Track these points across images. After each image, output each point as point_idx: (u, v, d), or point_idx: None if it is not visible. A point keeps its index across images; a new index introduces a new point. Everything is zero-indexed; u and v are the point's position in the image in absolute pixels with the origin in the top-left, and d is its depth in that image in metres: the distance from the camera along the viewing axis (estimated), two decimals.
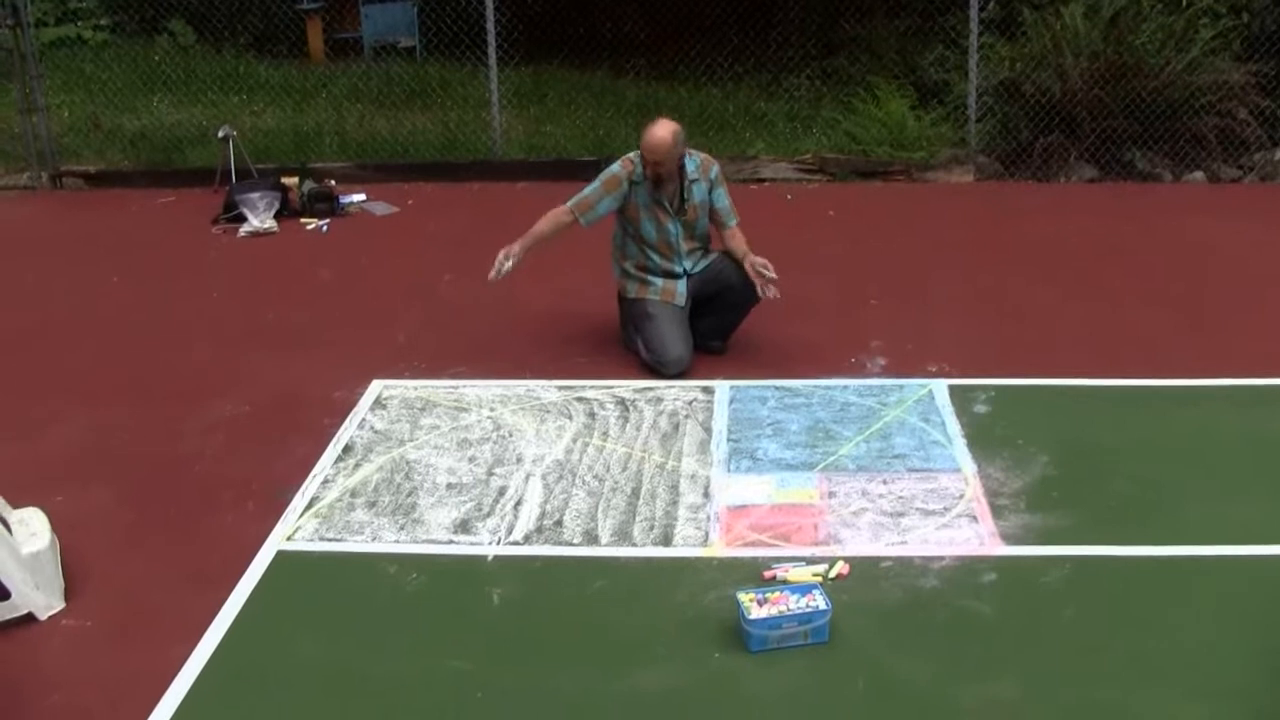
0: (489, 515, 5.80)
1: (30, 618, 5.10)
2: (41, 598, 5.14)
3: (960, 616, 5.00)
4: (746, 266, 7.27)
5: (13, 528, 5.31)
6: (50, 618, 5.13)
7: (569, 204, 7.44)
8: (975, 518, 5.68)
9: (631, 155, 7.42)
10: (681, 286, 7.47)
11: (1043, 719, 4.45)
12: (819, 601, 4.84)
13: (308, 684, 4.71)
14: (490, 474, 6.18)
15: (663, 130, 7.23)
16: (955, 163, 11.99)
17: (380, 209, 11.26)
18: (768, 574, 5.24)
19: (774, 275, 7.22)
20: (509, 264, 7.26)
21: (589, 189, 7.43)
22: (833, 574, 5.22)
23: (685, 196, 7.38)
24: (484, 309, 8.49)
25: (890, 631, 4.91)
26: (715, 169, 7.52)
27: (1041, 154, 11.82)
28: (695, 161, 7.44)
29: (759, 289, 7.24)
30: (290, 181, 11.13)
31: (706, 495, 5.94)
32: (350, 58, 16.69)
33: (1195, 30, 11.84)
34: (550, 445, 6.47)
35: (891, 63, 14.12)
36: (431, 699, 4.60)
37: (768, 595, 4.87)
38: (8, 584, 5.06)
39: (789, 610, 4.79)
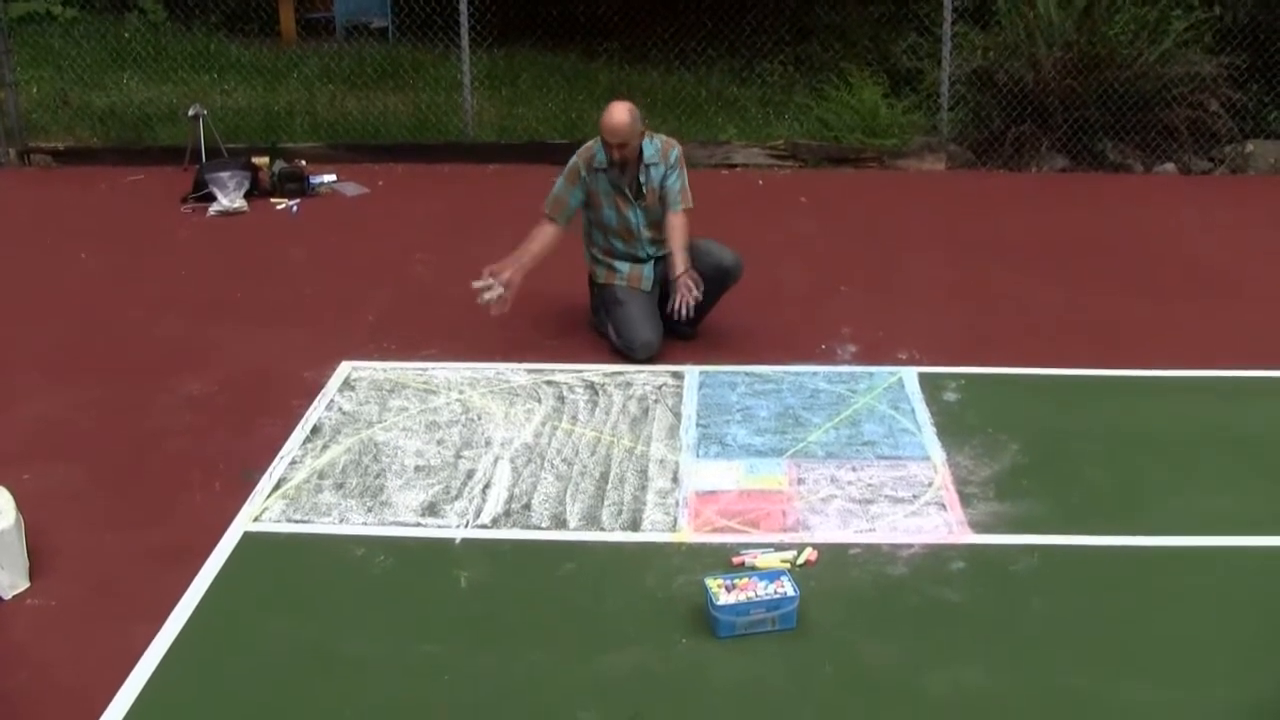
0: (457, 498, 5.78)
1: None
2: (5, 576, 5.11)
3: (929, 604, 5.01)
4: (673, 269, 7.23)
5: None
6: (15, 597, 5.10)
7: (546, 210, 7.44)
8: (944, 505, 5.69)
9: (590, 143, 7.40)
10: (649, 271, 7.45)
11: (1010, 706, 4.46)
12: (787, 588, 4.84)
13: (274, 665, 4.70)
14: (459, 457, 6.17)
15: (620, 111, 7.21)
16: (927, 151, 11.99)
17: (351, 190, 11.22)
18: (736, 560, 5.24)
19: (692, 300, 7.13)
20: (494, 295, 7.16)
21: (556, 188, 7.43)
22: (801, 560, 5.22)
23: (643, 181, 7.36)
24: (454, 291, 8.44)
25: (858, 618, 4.92)
26: (675, 152, 7.45)
27: (1013, 143, 11.84)
28: (655, 145, 7.40)
29: (671, 304, 7.19)
30: (261, 161, 11.08)
31: (675, 480, 5.94)
32: (322, 38, 16.62)
33: (1168, 22, 11.86)
34: (519, 429, 6.46)
35: (864, 50, 14.11)
36: (398, 681, 4.59)
37: (736, 581, 4.87)
38: None
39: (757, 596, 4.79)
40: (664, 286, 7.47)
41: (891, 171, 11.93)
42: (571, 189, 7.38)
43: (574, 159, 7.42)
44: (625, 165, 7.27)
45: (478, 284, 7.16)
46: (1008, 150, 11.85)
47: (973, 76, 12.13)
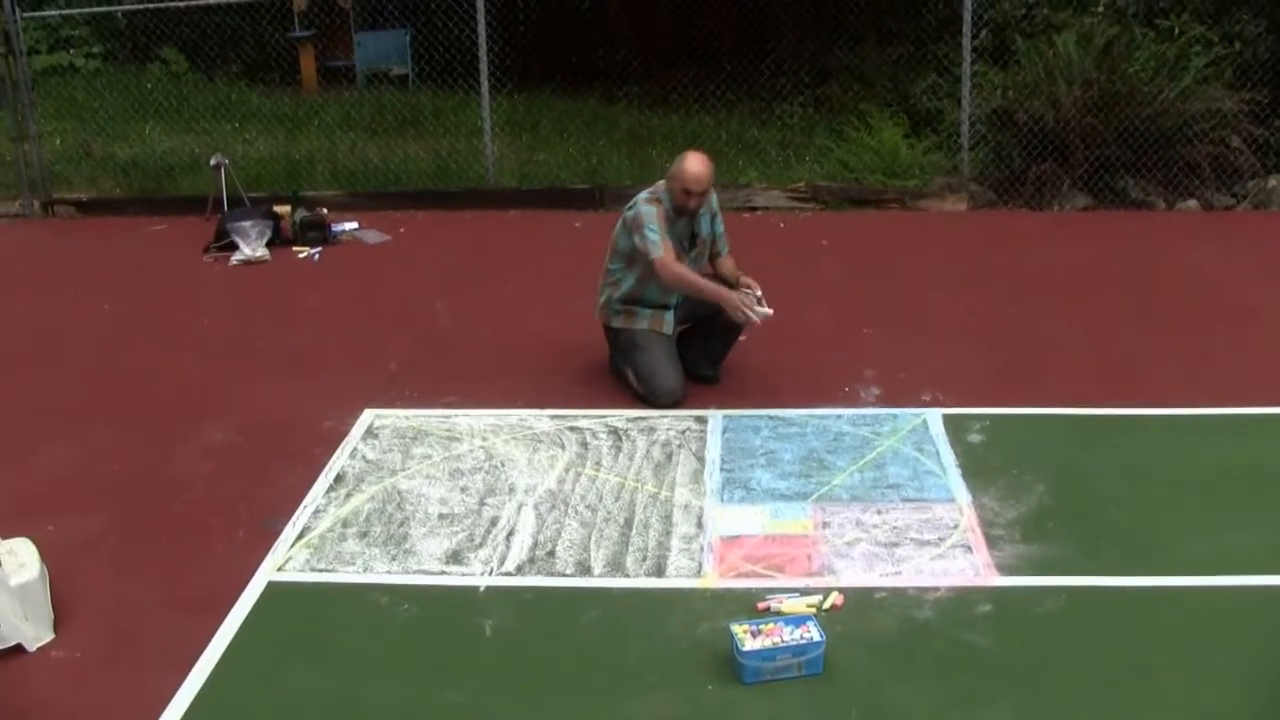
0: (481, 546, 5.76)
1: (19, 649, 5.06)
2: (30, 629, 5.11)
3: (955, 647, 4.97)
4: (740, 288, 7.21)
5: (2, 558, 5.27)
6: (39, 649, 5.09)
7: (664, 254, 7.12)
8: (970, 548, 5.65)
9: (658, 195, 7.29)
10: (670, 315, 7.42)
11: None
12: (813, 633, 4.80)
13: (298, 715, 4.68)
14: (482, 504, 6.15)
15: (706, 162, 7.20)
16: (948, 191, 11.98)
17: (372, 237, 11.24)
18: (761, 605, 5.20)
19: (759, 293, 7.18)
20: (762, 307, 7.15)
21: (655, 236, 7.12)
22: (827, 605, 5.19)
23: (696, 230, 7.35)
24: (476, 337, 8.48)
25: (885, 663, 4.88)
26: (714, 198, 7.48)
27: (1035, 182, 11.83)
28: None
29: (749, 313, 7.15)
30: (283, 210, 11.11)
31: (700, 525, 5.91)
32: (343, 86, 16.73)
33: (1188, 58, 11.88)
34: (543, 475, 6.44)
35: (884, 90, 14.15)
36: None
37: (761, 627, 4.84)
38: None
39: (783, 642, 4.76)
40: (687, 329, 7.46)
41: (913, 212, 11.93)
42: (667, 234, 7.21)
43: (650, 208, 7.20)
44: (692, 214, 7.26)
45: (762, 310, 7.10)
46: (1029, 189, 11.84)
47: (993, 116, 12.14)
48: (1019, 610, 5.21)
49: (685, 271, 7.18)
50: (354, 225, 11.44)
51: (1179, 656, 4.90)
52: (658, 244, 7.13)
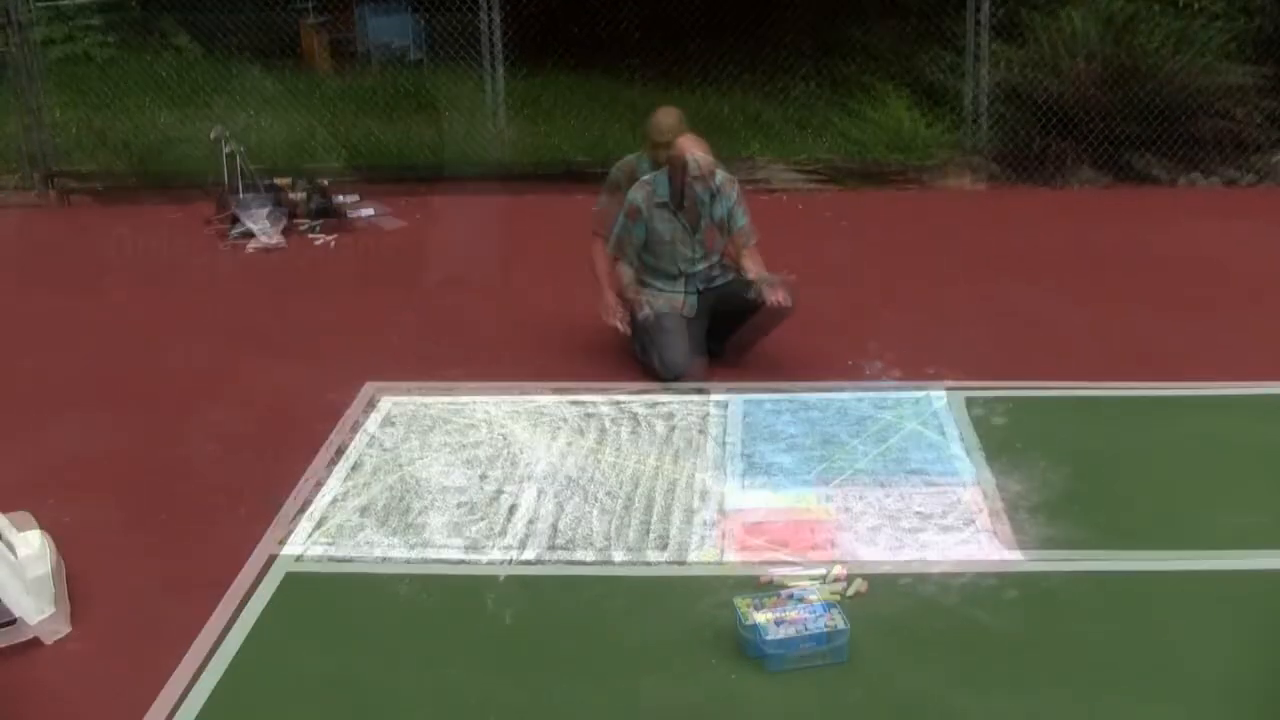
0: (491, 525, 5.76)
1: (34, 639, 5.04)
2: (48, 623, 5.07)
3: (979, 631, 4.94)
4: (759, 285, 7.21)
5: (17, 550, 5.25)
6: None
7: (610, 247, 7.42)
8: (993, 531, 5.62)
9: (646, 178, 7.30)
10: (690, 300, 7.39)
11: None
12: (837, 621, 4.77)
13: (314, 701, 4.67)
14: (500, 491, 6.12)
15: (670, 114, 7.42)
16: (960, 168, 11.92)
17: (389, 224, 11.15)
18: (764, 579, 5.22)
19: (774, 283, 7.17)
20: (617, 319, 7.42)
21: (619, 226, 7.31)
22: (851, 591, 5.15)
23: (699, 212, 7.30)
24: (487, 317, 8.46)
25: (908, 648, 4.85)
26: (719, 178, 7.38)
27: (1044, 157, 11.76)
28: (720, 177, 7.38)
29: (769, 298, 7.14)
30: (283, 182, 11.05)
31: (719, 510, 5.88)
32: (351, 65, 16.64)
33: (1199, 32, 11.79)
34: (561, 461, 6.41)
35: (893, 66, 14.06)
36: (442, 717, 4.56)
37: (765, 600, 4.86)
38: (13, 609, 5.00)
39: (807, 630, 4.72)
40: (715, 318, 7.42)
41: (925, 189, 11.88)
42: (633, 226, 7.29)
43: (634, 195, 7.30)
44: (677, 170, 7.20)
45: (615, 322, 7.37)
46: (1040, 165, 11.77)
47: (1005, 91, 12.06)
48: (1044, 593, 5.18)
49: (601, 264, 7.57)
50: (370, 210, 11.33)
51: (1202, 637, 4.89)
52: (612, 234, 7.46)
